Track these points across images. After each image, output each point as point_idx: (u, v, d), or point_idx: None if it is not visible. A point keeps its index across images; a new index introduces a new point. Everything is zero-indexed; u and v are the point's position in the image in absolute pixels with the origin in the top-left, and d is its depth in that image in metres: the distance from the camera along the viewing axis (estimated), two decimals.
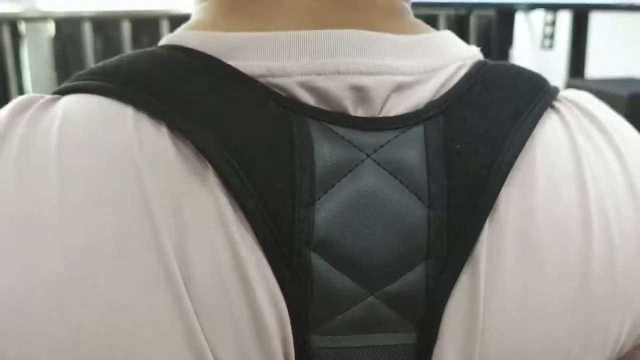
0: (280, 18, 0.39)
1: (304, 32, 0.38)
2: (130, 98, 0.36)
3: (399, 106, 0.38)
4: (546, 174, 0.39)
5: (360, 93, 0.37)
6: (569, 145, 0.41)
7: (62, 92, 0.40)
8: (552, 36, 2.02)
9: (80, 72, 0.41)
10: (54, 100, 0.39)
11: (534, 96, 0.41)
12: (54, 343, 0.33)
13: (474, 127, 0.38)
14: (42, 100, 0.39)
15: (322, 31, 0.38)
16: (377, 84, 0.37)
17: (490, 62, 0.43)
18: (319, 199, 0.35)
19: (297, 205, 0.35)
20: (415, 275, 0.36)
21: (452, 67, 0.41)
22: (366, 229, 0.36)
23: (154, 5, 2.70)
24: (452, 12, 2.24)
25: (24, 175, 0.35)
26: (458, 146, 0.38)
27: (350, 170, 0.36)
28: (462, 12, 2.21)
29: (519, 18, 2.07)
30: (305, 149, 0.36)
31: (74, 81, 0.40)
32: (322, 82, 0.37)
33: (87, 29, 2.55)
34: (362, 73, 0.37)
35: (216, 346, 0.34)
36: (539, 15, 2.03)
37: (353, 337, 0.36)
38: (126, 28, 2.59)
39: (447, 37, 0.43)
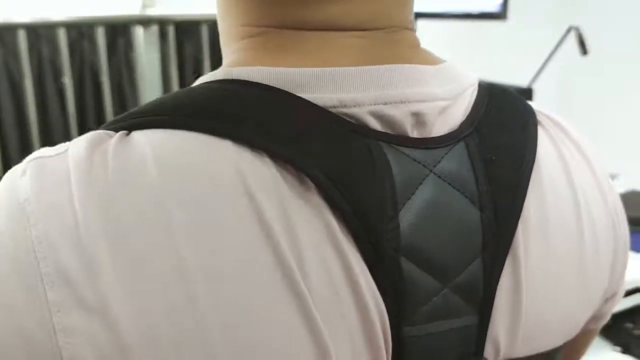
0: (335, 55, 0.44)
1: (366, 67, 0.43)
2: (227, 132, 0.39)
3: (442, 127, 0.45)
4: (548, 178, 0.48)
5: (418, 118, 0.43)
6: (556, 154, 0.50)
7: (125, 128, 0.41)
8: None
9: (138, 109, 0.43)
10: (125, 136, 0.41)
11: (527, 113, 0.50)
12: None
13: (500, 141, 0.46)
14: (117, 135, 0.40)
15: (382, 66, 0.43)
16: (429, 110, 0.44)
17: (485, 84, 0.51)
18: (400, 211, 0.41)
19: (385, 217, 0.40)
20: (475, 267, 0.43)
21: (469, 91, 0.48)
22: (438, 233, 0.42)
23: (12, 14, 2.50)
24: None
25: (133, 206, 0.37)
26: (493, 158, 0.45)
27: (420, 184, 0.42)
28: None
29: None
30: (385, 168, 0.41)
31: (135, 117, 0.42)
32: (388, 110, 0.42)
33: None
34: (417, 101, 0.43)
35: (336, 347, 0.39)
36: None
37: (434, 324, 0.42)
38: None
39: (454, 66, 0.50)
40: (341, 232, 0.39)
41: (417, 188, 0.42)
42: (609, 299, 0.56)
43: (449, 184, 0.43)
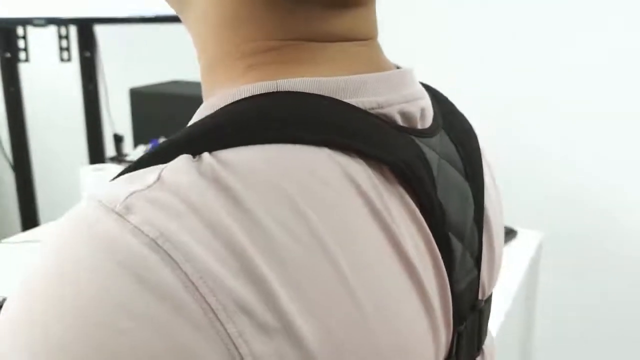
0: (353, 63, 0.49)
1: (387, 73, 0.49)
2: (318, 139, 0.42)
3: (429, 120, 0.54)
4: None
5: (423, 112, 0.52)
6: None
7: (204, 150, 0.40)
8: (68, 49, 2.10)
9: (192, 132, 0.42)
10: (211, 158, 0.39)
11: (456, 107, 0.62)
12: (360, 354, 0.40)
13: (460, 128, 0.57)
14: (206, 156, 0.39)
15: (396, 71, 0.50)
16: (427, 105, 0.53)
17: (421, 83, 0.61)
18: (437, 188, 0.49)
19: (435, 196, 0.48)
20: (473, 229, 0.54)
21: (423, 90, 0.58)
22: (455, 203, 0.51)
23: None
24: None
25: (275, 220, 0.38)
26: (462, 142, 0.56)
27: (438, 165, 0.51)
28: None
29: (36, 32, 2.08)
30: (422, 156, 0.49)
31: (205, 140, 0.41)
32: (408, 108, 0.50)
33: None
34: (421, 98, 0.52)
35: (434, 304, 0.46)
36: (54, 30, 2.08)
37: (463, 281, 0.52)
38: None
39: None
40: (419, 213, 0.47)
41: (438, 169, 0.51)
42: None
43: (450, 164, 0.53)
